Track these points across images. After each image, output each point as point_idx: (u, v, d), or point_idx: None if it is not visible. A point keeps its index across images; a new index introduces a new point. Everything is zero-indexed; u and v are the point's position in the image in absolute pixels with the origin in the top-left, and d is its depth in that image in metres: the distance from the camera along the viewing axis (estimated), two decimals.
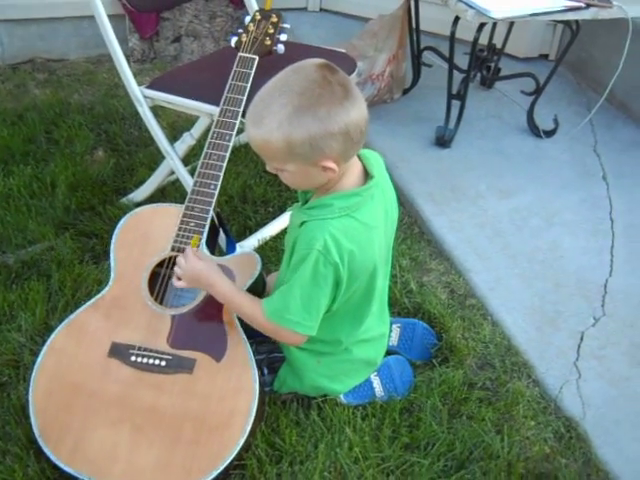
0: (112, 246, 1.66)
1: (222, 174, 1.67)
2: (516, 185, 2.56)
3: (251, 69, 1.76)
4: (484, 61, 2.93)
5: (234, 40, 1.86)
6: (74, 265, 2.05)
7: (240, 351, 1.57)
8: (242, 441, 1.49)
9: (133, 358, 1.55)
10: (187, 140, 2.05)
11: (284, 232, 2.13)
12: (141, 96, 2.01)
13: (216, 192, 1.66)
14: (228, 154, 1.69)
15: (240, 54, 1.81)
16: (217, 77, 1.88)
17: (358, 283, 1.51)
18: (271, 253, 2.14)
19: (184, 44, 3.41)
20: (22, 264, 2.07)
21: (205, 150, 1.68)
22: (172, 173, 2.19)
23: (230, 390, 1.54)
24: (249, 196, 2.41)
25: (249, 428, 1.50)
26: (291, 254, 1.49)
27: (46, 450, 1.47)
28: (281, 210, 2.34)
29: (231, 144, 1.69)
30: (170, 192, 2.38)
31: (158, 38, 3.36)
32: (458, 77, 2.65)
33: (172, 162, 2.06)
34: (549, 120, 2.85)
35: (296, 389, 1.71)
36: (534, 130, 2.82)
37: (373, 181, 1.46)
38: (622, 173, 2.64)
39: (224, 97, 1.73)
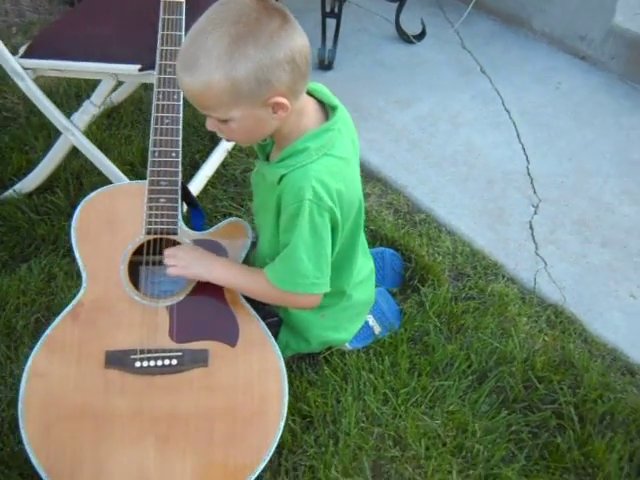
0: (73, 242, 1.40)
1: (181, 138, 1.46)
2: (410, 94, 2.54)
3: (181, 14, 1.52)
4: None
5: None
6: None
7: (254, 329, 1.41)
8: (282, 425, 1.36)
9: (138, 364, 1.35)
10: (89, 109, 1.76)
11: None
12: (20, 69, 1.67)
13: (179, 160, 1.45)
14: (182, 115, 1.47)
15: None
16: (116, 28, 1.62)
17: (349, 223, 1.41)
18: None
19: None
20: None
21: (154, 115, 1.45)
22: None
23: (255, 374, 1.39)
24: None
25: (286, 410, 1.36)
26: (277, 215, 1.34)
27: None
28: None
29: (182, 103, 1.47)
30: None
31: None
32: None
33: (73, 138, 1.77)
34: (410, 26, 2.83)
35: (301, 350, 1.59)
36: (404, 37, 2.79)
37: (338, 112, 1.33)
38: (495, 65, 2.71)
39: (159, 51, 1.49)
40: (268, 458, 1.33)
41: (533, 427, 1.52)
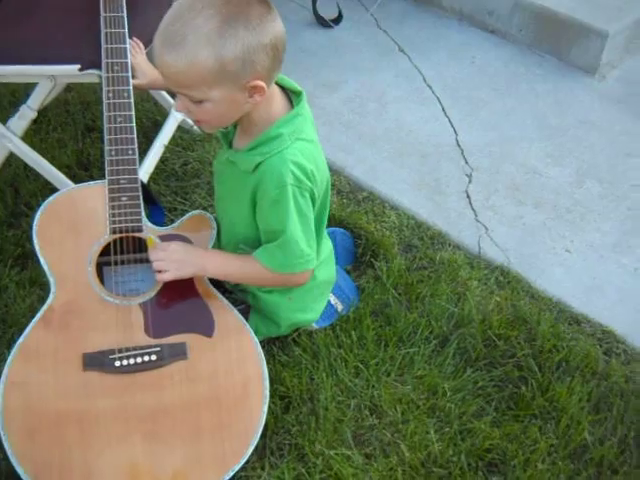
0: (36, 248, 1.38)
1: (135, 136, 1.45)
2: (336, 77, 2.59)
3: (122, 12, 1.50)
4: None
5: None
6: None
7: (229, 318, 1.44)
8: (266, 407, 1.39)
9: (117, 363, 1.35)
10: (27, 114, 1.71)
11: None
12: None
13: (137, 157, 1.44)
14: (134, 113, 1.46)
15: None
16: (47, 28, 1.59)
17: (317, 203, 1.45)
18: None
19: None
20: None
21: (106, 114, 1.43)
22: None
23: (234, 361, 1.42)
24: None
25: (268, 392, 1.40)
26: (252, 203, 1.38)
27: None
28: None
29: (132, 100, 1.46)
30: None
31: None
32: None
33: (11, 145, 1.72)
34: (327, 11, 2.87)
35: (271, 333, 1.63)
36: (322, 22, 2.84)
37: (303, 96, 1.38)
38: (412, 43, 2.80)
39: (104, 49, 1.47)
40: (255, 442, 1.36)
41: (497, 381, 1.61)
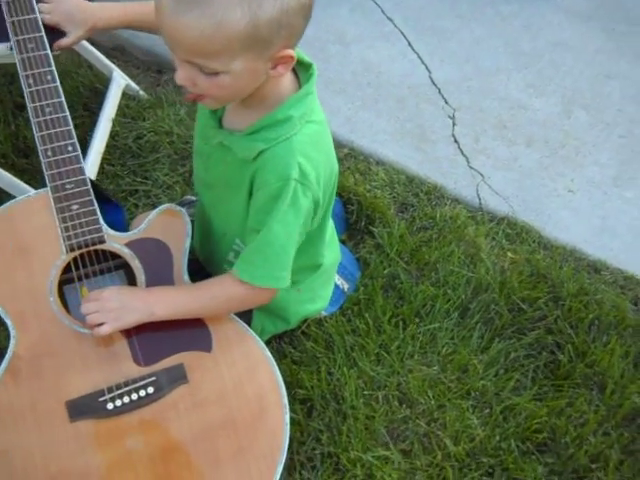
0: None
1: (72, 126, 1.19)
2: None
3: None
4: None
5: None
6: None
7: (227, 325, 1.23)
8: (288, 417, 1.21)
9: (110, 405, 1.13)
10: None
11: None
12: None
13: (79, 152, 1.19)
14: (64, 98, 1.20)
15: None
16: None
17: (329, 192, 1.25)
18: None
19: None
20: None
21: (30, 106, 1.17)
22: None
23: (242, 373, 1.22)
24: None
25: (286, 400, 1.22)
26: (249, 193, 1.15)
27: None
28: None
29: (58, 83, 1.20)
30: None
31: None
32: None
33: None
34: None
35: (278, 330, 1.44)
36: None
37: (314, 69, 1.13)
38: None
39: (10, 24, 1.19)
40: (283, 459, 1.19)
41: (530, 350, 1.49)
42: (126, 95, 1.95)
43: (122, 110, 1.91)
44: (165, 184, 1.77)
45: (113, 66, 1.93)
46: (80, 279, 1.20)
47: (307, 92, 1.08)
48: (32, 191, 1.24)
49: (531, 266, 1.62)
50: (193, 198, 1.61)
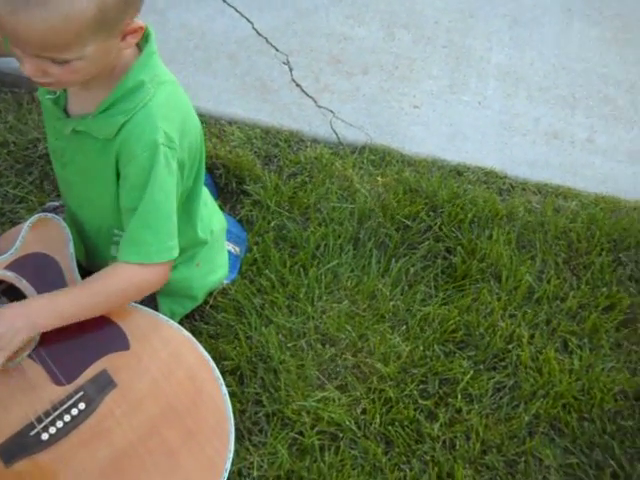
0: None
1: None
2: None
3: None
4: None
5: None
6: None
7: (137, 318, 1.19)
8: (225, 389, 1.21)
9: (45, 436, 1.07)
10: None
11: None
12: None
13: None
14: None
15: None
16: None
17: (198, 151, 1.23)
18: None
19: None
20: None
21: None
22: None
23: (168, 360, 1.19)
24: None
25: (218, 372, 1.21)
26: (116, 176, 1.11)
27: None
28: None
29: None
30: None
31: None
32: None
33: None
34: None
35: (187, 310, 1.41)
36: None
37: (150, 30, 1.10)
38: None
39: None
40: (233, 429, 1.19)
41: (425, 261, 1.57)
42: None
43: None
44: (17, 197, 1.65)
45: None
46: None
47: (151, 52, 1.06)
48: None
49: (402, 184, 1.69)
50: (56, 203, 1.52)
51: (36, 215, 1.24)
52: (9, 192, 1.64)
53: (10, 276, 1.16)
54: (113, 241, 1.23)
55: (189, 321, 1.42)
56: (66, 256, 1.21)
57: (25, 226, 1.21)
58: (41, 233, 1.22)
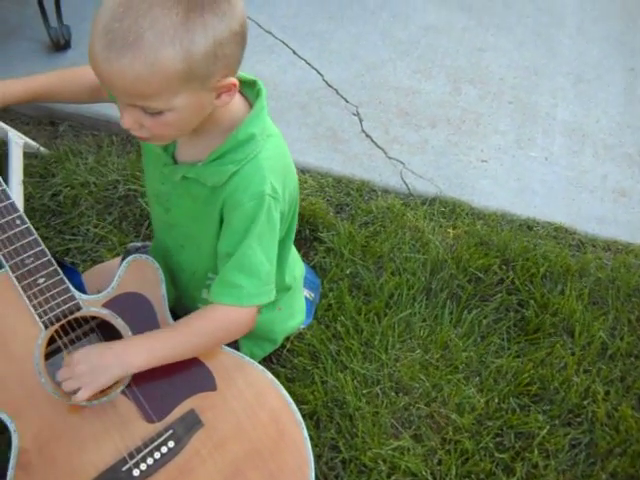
0: None
1: (14, 199, 1.14)
2: None
3: None
4: None
5: None
6: None
7: (224, 359, 1.23)
8: (306, 432, 1.23)
9: (136, 472, 1.10)
10: None
11: None
12: None
13: (29, 224, 1.14)
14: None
15: None
16: None
17: (294, 203, 1.27)
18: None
19: None
20: None
21: None
22: None
23: (252, 401, 1.22)
24: None
25: (300, 416, 1.24)
26: (220, 221, 1.16)
27: None
28: None
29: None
30: None
31: None
32: None
33: None
34: None
35: (267, 352, 1.45)
36: None
37: (260, 85, 1.15)
38: None
39: None
40: (313, 471, 1.21)
41: (498, 313, 1.58)
42: (26, 154, 1.86)
43: (27, 170, 1.82)
44: (97, 236, 1.71)
45: (6, 127, 1.84)
46: (64, 348, 1.15)
47: (262, 107, 1.10)
48: None
49: (474, 237, 1.71)
50: (138, 244, 1.57)
51: (132, 256, 1.28)
52: (90, 231, 1.70)
53: (107, 314, 1.20)
54: (206, 284, 1.27)
55: (266, 364, 1.45)
56: (158, 297, 1.25)
57: (122, 266, 1.26)
58: (136, 273, 1.26)
